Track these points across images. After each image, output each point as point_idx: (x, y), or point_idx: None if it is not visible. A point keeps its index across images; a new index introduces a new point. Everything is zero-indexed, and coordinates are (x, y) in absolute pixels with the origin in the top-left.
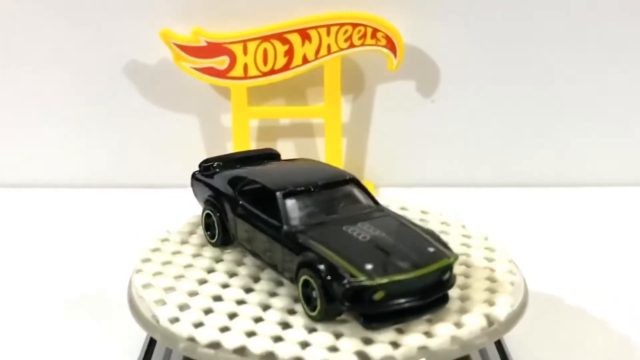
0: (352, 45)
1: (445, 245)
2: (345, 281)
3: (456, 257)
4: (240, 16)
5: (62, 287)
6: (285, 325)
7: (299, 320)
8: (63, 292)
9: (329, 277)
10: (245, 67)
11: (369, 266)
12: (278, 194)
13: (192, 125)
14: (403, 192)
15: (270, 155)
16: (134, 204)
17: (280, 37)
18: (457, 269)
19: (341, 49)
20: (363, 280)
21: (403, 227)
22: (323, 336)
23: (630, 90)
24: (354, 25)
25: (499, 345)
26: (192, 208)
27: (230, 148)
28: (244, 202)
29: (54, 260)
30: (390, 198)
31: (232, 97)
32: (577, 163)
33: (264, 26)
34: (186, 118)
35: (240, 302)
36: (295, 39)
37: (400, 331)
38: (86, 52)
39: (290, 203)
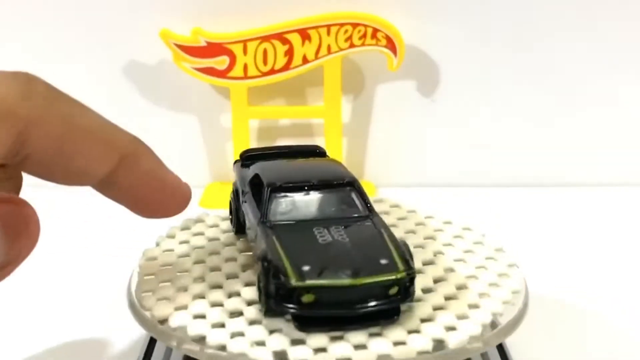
0: (352, 45)
1: (406, 260)
2: (277, 280)
3: (406, 273)
4: (240, 16)
5: (62, 286)
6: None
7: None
8: (63, 292)
9: (266, 274)
10: (245, 67)
11: (305, 268)
12: (266, 188)
13: (192, 125)
14: (403, 192)
15: (314, 152)
16: None
17: (280, 37)
18: (460, 272)
19: (341, 49)
20: (292, 280)
21: (373, 236)
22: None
23: (631, 90)
24: (354, 25)
25: (500, 347)
26: (192, 208)
27: (230, 148)
28: (249, 194)
29: (54, 260)
30: (414, 204)
31: (232, 97)
32: (578, 163)
33: (264, 26)
34: (186, 118)
35: (241, 302)
36: (295, 39)
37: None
38: (86, 52)
39: (276, 198)
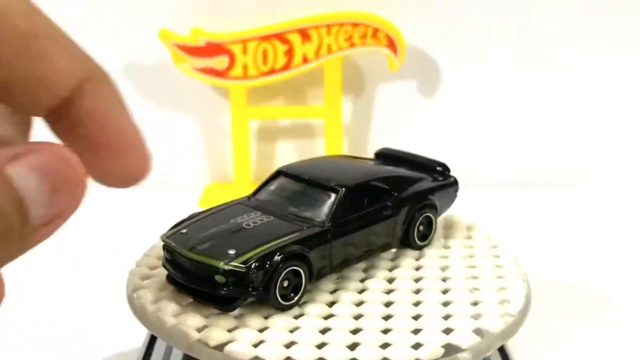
0: (352, 45)
1: (249, 259)
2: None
3: (225, 265)
4: (240, 16)
5: (63, 286)
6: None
7: (308, 323)
8: (64, 291)
9: None
10: (245, 67)
11: (184, 231)
12: (275, 172)
13: (192, 125)
14: None
15: (436, 168)
16: (134, 204)
17: (280, 37)
18: (460, 272)
19: (341, 49)
20: (163, 236)
21: (269, 234)
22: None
23: (631, 90)
24: (355, 25)
25: (501, 348)
26: (192, 207)
27: (230, 148)
28: None
29: (54, 260)
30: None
31: (232, 97)
32: (578, 163)
33: (264, 26)
34: (186, 118)
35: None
36: (295, 38)
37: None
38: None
39: (272, 180)
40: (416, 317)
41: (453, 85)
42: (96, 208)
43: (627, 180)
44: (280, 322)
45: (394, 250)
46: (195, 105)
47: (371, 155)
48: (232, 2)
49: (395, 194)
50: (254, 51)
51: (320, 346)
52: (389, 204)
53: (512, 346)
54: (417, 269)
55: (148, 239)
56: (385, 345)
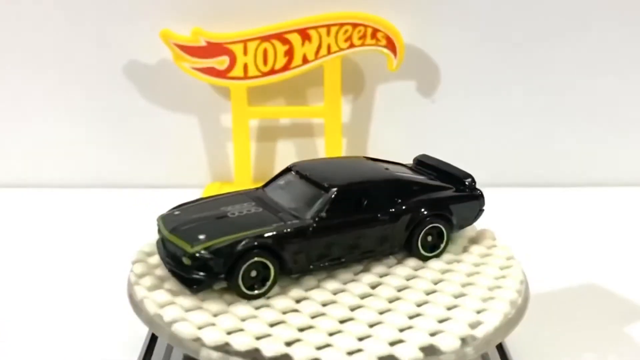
0: (352, 45)
1: (214, 245)
2: None
3: (189, 249)
4: (240, 16)
5: (63, 285)
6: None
7: (314, 321)
8: (64, 291)
9: None
10: (245, 67)
11: (177, 212)
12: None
13: (192, 125)
14: None
15: (463, 180)
16: (133, 204)
17: (280, 37)
18: (461, 270)
19: (341, 49)
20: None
21: (249, 225)
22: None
23: (631, 90)
24: (354, 25)
25: (500, 346)
26: None
27: (230, 148)
28: None
29: (54, 260)
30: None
31: (232, 97)
32: (578, 163)
33: (264, 26)
34: (186, 118)
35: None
36: (295, 39)
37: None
38: (86, 52)
39: (283, 174)
40: (372, 325)
41: (453, 85)
42: (96, 208)
43: (628, 180)
44: (283, 323)
45: (400, 257)
46: (195, 105)
47: (371, 154)
48: (232, 2)
49: (399, 200)
50: (254, 51)
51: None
52: (388, 209)
53: (512, 346)
54: (409, 278)
55: (148, 239)
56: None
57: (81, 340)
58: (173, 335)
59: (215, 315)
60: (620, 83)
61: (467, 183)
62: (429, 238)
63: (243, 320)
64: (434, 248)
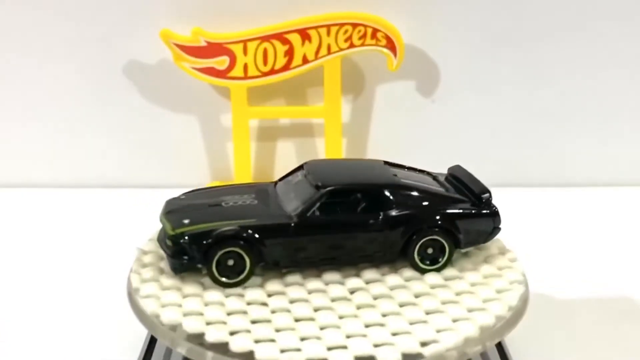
0: (352, 45)
1: (205, 230)
2: None
3: (170, 232)
4: (240, 16)
5: (63, 286)
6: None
7: (313, 322)
8: (63, 291)
9: None
10: (245, 67)
11: (183, 197)
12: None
13: (192, 125)
14: None
15: (480, 196)
16: (133, 204)
17: (280, 37)
18: (461, 270)
19: (341, 49)
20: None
21: (238, 215)
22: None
23: (631, 90)
24: (354, 25)
25: (499, 346)
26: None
27: (230, 148)
28: None
29: (54, 260)
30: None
31: (232, 97)
32: (578, 163)
33: (264, 26)
34: (186, 118)
35: (241, 301)
36: (295, 39)
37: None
38: (86, 52)
39: (291, 176)
40: (323, 327)
41: (453, 85)
42: (96, 208)
43: (628, 180)
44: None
45: (399, 266)
46: (195, 105)
47: (371, 154)
48: (232, 2)
49: (397, 207)
50: (254, 51)
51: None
52: (382, 215)
53: (512, 346)
54: (394, 288)
55: (148, 239)
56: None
57: (80, 341)
58: (172, 337)
59: (214, 316)
60: (622, 82)
61: (483, 199)
62: (430, 250)
63: (242, 320)
64: (434, 261)
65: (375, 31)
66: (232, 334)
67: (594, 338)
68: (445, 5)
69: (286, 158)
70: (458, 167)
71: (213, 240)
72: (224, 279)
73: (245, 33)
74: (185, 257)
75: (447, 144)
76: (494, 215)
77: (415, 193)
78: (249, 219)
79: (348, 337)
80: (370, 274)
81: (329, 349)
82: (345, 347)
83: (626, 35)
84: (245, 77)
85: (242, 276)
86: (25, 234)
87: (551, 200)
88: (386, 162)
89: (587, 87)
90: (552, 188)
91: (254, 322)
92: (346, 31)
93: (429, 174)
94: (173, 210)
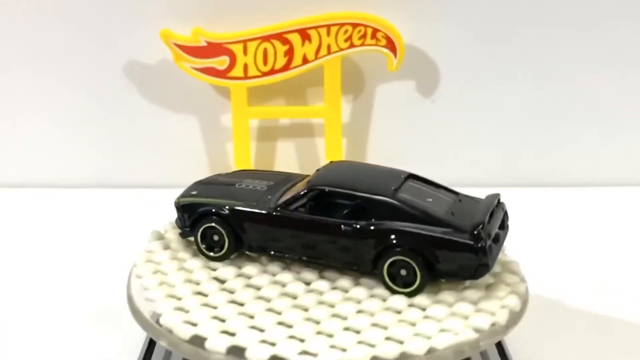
0: (352, 45)
1: (198, 202)
2: None
3: (177, 201)
4: (240, 16)
5: (62, 286)
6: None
7: (304, 322)
8: (63, 292)
9: None
10: (245, 67)
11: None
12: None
13: (192, 125)
14: None
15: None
16: (133, 204)
17: (280, 37)
18: None
19: (341, 49)
20: None
21: (250, 193)
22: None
23: (631, 89)
24: (354, 25)
25: (499, 346)
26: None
27: (230, 148)
28: None
29: (53, 260)
30: None
31: (232, 97)
32: (578, 163)
33: (264, 26)
34: (186, 118)
35: (242, 303)
36: (295, 39)
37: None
38: (86, 52)
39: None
40: (330, 335)
41: (453, 85)
42: (96, 208)
43: (628, 180)
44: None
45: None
46: (195, 105)
47: (371, 154)
48: (232, 2)
49: (375, 220)
50: (254, 51)
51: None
52: (357, 225)
53: (512, 346)
54: (360, 301)
55: (149, 240)
56: None
57: (79, 342)
58: (171, 339)
59: (214, 318)
60: (623, 82)
61: (470, 230)
62: (403, 272)
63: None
64: (408, 284)
65: (375, 31)
66: (231, 336)
67: (594, 338)
68: (445, 5)
69: (286, 158)
70: (495, 195)
71: (198, 214)
72: (207, 252)
73: (245, 33)
74: (182, 224)
75: (447, 143)
76: (477, 250)
77: (402, 211)
78: (238, 202)
79: (273, 344)
80: (344, 281)
81: (340, 348)
82: (344, 350)
83: (631, 34)
84: (245, 77)
85: (221, 252)
86: (25, 234)
87: (551, 200)
88: (412, 175)
89: (587, 87)
90: (553, 188)
91: (254, 325)
92: (346, 31)
93: (456, 195)
94: (202, 182)
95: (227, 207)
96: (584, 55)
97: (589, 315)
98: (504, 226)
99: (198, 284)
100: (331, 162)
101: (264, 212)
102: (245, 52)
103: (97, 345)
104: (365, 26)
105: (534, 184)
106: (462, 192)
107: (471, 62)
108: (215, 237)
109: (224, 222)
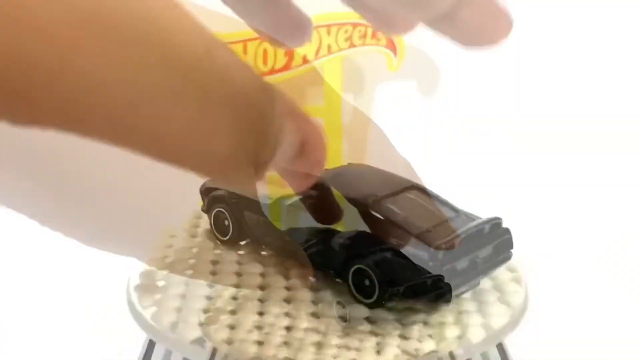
0: (352, 45)
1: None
2: None
3: (201, 186)
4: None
5: (62, 287)
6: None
7: (308, 324)
8: (63, 292)
9: None
10: None
11: None
12: None
13: None
14: None
15: (494, 222)
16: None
17: None
18: None
19: (341, 49)
20: None
21: None
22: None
23: (630, 89)
24: (354, 25)
25: (500, 346)
26: (192, 207)
27: None
28: None
29: (53, 261)
30: None
31: None
32: (578, 163)
33: None
34: None
35: (244, 303)
36: None
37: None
38: None
39: None
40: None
41: (453, 86)
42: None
43: (628, 180)
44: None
45: None
46: None
47: (371, 154)
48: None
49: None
50: (255, 51)
51: None
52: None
53: (512, 346)
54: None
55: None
56: None
57: (80, 342)
58: (171, 341)
59: (214, 319)
60: (623, 81)
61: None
62: (366, 282)
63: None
64: (369, 297)
65: (375, 31)
66: (231, 337)
67: (594, 338)
68: None
69: None
70: (498, 218)
71: (212, 198)
72: (217, 234)
73: (245, 33)
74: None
75: (447, 143)
76: (438, 289)
77: (376, 220)
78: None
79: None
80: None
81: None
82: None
83: (629, 35)
84: None
85: (227, 237)
86: (25, 234)
87: (551, 200)
88: (415, 186)
89: (586, 86)
90: (552, 187)
91: (254, 327)
92: (346, 31)
93: (456, 212)
94: None
95: (235, 195)
96: (584, 55)
97: (589, 315)
98: (499, 252)
99: (199, 285)
100: (349, 164)
101: (264, 203)
102: (245, 52)
103: (97, 346)
104: (366, 26)
105: (535, 183)
106: (460, 192)
107: (472, 62)
108: (226, 222)
109: (229, 208)
